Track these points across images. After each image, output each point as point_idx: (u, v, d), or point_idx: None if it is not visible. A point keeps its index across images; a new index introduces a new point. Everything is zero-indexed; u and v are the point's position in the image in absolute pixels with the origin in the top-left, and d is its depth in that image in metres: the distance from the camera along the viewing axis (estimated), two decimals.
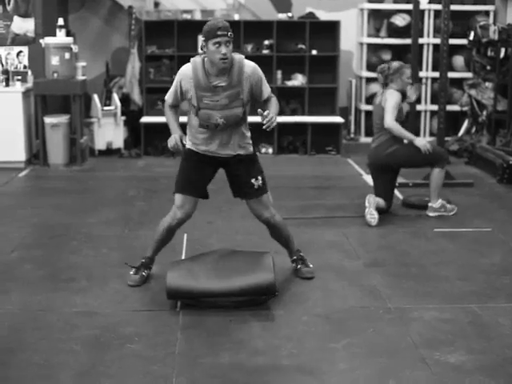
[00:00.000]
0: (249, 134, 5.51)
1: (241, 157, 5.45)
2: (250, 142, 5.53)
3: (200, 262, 5.43)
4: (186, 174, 5.50)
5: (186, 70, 5.30)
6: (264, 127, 5.10)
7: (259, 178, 5.52)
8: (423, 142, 7.50)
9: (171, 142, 5.25)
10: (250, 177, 5.48)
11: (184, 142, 5.34)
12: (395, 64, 7.63)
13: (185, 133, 5.45)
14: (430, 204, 7.70)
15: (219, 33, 5.05)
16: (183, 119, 5.44)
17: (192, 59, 5.33)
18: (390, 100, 7.41)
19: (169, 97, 5.44)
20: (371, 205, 7.40)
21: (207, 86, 5.22)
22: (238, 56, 5.29)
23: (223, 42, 5.06)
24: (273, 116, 5.13)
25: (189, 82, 5.26)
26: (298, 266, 5.86)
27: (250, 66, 5.31)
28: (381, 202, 7.54)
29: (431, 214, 7.66)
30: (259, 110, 5.12)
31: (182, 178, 5.50)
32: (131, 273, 5.67)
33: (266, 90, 5.40)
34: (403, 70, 7.55)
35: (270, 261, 5.32)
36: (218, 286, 5.16)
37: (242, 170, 5.48)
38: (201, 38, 5.23)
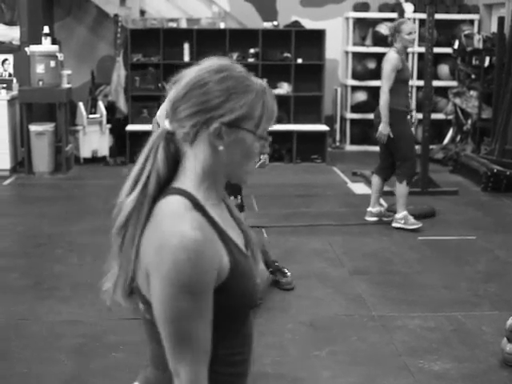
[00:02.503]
0: None
1: None
2: None
3: None
4: None
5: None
6: (257, 166, 5.16)
7: (238, 196, 5.54)
8: (384, 132, 7.42)
9: None
10: (229, 195, 5.48)
11: None
12: (394, 23, 7.65)
13: None
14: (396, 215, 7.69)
15: None
16: None
17: None
18: (386, 66, 7.40)
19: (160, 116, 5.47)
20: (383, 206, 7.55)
21: None
22: None
23: None
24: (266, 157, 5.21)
25: None
26: (277, 278, 5.87)
27: None
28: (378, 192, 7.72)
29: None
30: None
31: None
32: None
33: None
34: (400, 27, 7.47)
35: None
36: None
37: None
38: None
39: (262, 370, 4.43)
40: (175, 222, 1.72)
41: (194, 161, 1.82)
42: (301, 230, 7.48)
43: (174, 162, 1.85)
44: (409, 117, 7.60)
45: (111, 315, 5.25)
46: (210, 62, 1.85)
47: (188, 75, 1.84)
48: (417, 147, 11.50)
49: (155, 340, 1.84)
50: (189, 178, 1.83)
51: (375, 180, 7.78)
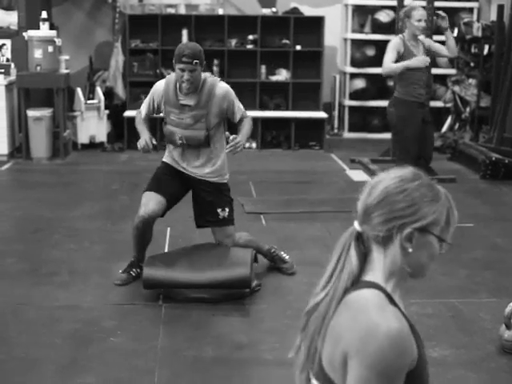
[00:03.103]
0: (221, 161, 5.51)
1: (211, 184, 5.48)
2: (223, 170, 5.54)
3: (179, 255, 5.50)
4: (156, 176, 5.57)
5: (159, 85, 5.48)
6: (227, 151, 5.19)
7: (226, 209, 5.52)
8: (420, 58, 7.38)
9: (141, 142, 5.33)
10: (216, 206, 5.50)
11: (154, 142, 5.37)
12: (405, 8, 7.54)
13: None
14: None
15: (184, 59, 5.16)
16: None
17: (167, 75, 5.55)
18: (388, 46, 7.41)
19: (143, 108, 5.57)
20: None
21: (175, 103, 5.36)
22: (210, 79, 5.38)
23: (187, 69, 5.16)
24: (239, 141, 5.20)
25: (160, 96, 5.42)
26: (278, 265, 5.87)
27: (221, 88, 5.36)
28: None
29: None
30: (227, 132, 5.29)
31: (151, 179, 5.57)
32: (120, 271, 5.64)
33: (239, 112, 5.42)
34: (411, 12, 7.39)
35: (248, 256, 5.33)
36: (193, 277, 5.19)
37: (208, 196, 5.50)
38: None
39: (261, 356, 4.42)
40: (380, 313, 1.87)
41: (384, 259, 1.98)
42: (299, 217, 7.47)
43: (361, 257, 2.01)
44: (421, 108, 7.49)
45: (109, 300, 5.26)
46: (403, 171, 2.01)
47: (383, 183, 2.00)
48: None
49: None
50: (378, 273, 1.98)
51: None
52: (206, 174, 5.45)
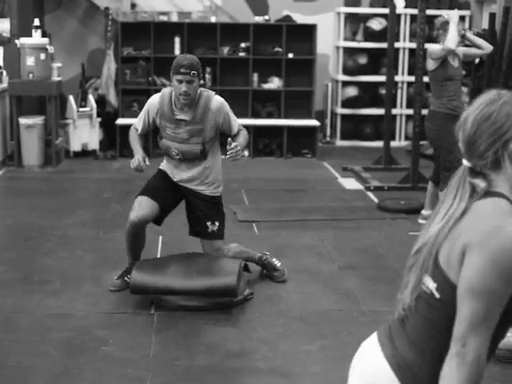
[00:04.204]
0: (215, 174, 5.53)
1: (204, 196, 5.50)
2: (217, 183, 5.55)
3: (168, 261, 5.50)
4: (150, 182, 5.58)
5: (154, 99, 5.47)
6: (227, 157, 5.18)
7: (216, 223, 5.52)
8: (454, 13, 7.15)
9: (134, 162, 5.30)
10: (206, 219, 5.51)
11: (147, 163, 5.35)
12: (440, 18, 7.30)
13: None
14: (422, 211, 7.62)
15: (182, 70, 5.17)
16: None
17: (163, 90, 5.51)
18: (430, 48, 7.14)
19: (138, 125, 5.55)
20: None
21: (171, 117, 5.36)
22: (206, 93, 5.39)
23: (185, 80, 5.16)
24: (240, 149, 5.20)
25: (154, 110, 5.41)
26: (269, 273, 5.86)
27: (217, 102, 5.37)
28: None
29: (420, 221, 7.53)
30: (229, 139, 5.25)
31: (145, 185, 5.58)
32: (114, 278, 5.64)
33: (235, 125, 5.44)
34: (447, 26, 7.11)
35: (236, 265, 5.33)
36: (180, 284, 5.18)
37: (199, 208, 5.52)
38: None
39: (253, 365, 4.42)
40: (505, 217, 2.00)
41: (501, 180, 2.09)
42: (291, 225, 7.47)
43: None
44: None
45: (100, 309, 5.25)
46: (484, 97, 2.14)
47: (470, 115, 2.12)
48: (408, 143, 11.57)
49: (431, 320, 2.11)
50: (500, 188, 2.08)
51: (429, 185, 7.55)
52: (200, 186, 5.46)
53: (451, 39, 6.95)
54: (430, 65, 7.22)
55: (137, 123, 5.55)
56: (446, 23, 7.17)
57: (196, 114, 5.31)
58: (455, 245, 2.02)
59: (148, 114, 5.45)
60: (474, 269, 1.96)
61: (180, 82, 5.16)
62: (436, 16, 11.16)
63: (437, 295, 2.08)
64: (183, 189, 5.52)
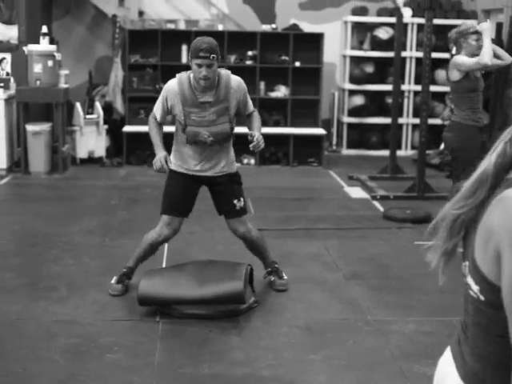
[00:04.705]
0: (232, 152, 5.55)
1: (225, 176, 5.48)
2: (233, 159, 5.57)
3: (174, 271, 5.49)
4: (172, 196, 5.48)
5: (171, 85, 5.32)
6: (251, 149, 5.14)
7: (241, 198, 5.53)
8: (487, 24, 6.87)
9: (157, 163, 5.17)
10: (232, 197, 5.50)
11: (169, 163, 5.24)
12: (460, 26, 7.06)
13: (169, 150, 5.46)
14: None
15: (201, 54, 5.07)
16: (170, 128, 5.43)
17: (178, 75, 5.35)
18: (458, 59, 6.84)
19: (156, 110, 5.39)
20: None
21: (194, 101, 5.24)
22: (224, 71, 5.33)
23: (204, 64, 5.08)
24: (261, 138, 5.18)
25: (175, 97, 5.27)
26: (272, 279, 5.86)
27: (235, 80, 5.34)
28: None
29: None
30: (248, 131, 5.22)
31: (168, 199, 5.48)
32: (113, 282, 5.65)
33: (251, 104, 5.45)
34: (467, 33, 6.92)
35: (242, 271, 5.33)
36: (187, 294, 5.18)
37: (225, 189, 5.50)
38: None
39: (258, 374, 4.42)
40: None
41: None
42: (297, 234, 7.47)
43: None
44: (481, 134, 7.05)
45: (106, 316, 5.26)
46: None
47: None
48: (414, 152, 11.56)
49: (483, 325, 2.00)
50: None
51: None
52: (222, 168, 5.44)
53: (487, 54, 6.69)
54: (455, 76, 7.01)
55: (155, 111, 5.39)
56: (473, 33, 6.94)
57: (220, 94, 5.25)
58: (488, 243, 1.94)
59: (166, 100, 5.30)
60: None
61: (199, 66, 5.08)
62: (444, 26, 11.21)
63: (482, 298, 2.01)
64: (203, 180, 5.47)
